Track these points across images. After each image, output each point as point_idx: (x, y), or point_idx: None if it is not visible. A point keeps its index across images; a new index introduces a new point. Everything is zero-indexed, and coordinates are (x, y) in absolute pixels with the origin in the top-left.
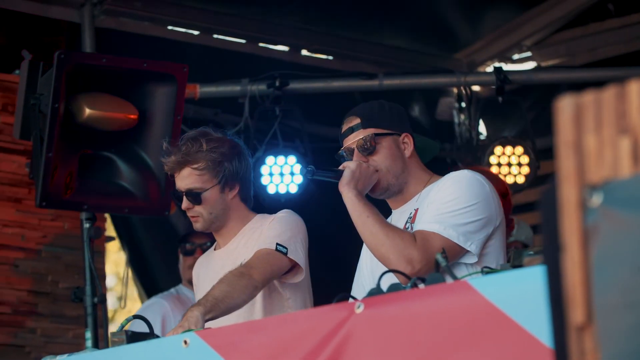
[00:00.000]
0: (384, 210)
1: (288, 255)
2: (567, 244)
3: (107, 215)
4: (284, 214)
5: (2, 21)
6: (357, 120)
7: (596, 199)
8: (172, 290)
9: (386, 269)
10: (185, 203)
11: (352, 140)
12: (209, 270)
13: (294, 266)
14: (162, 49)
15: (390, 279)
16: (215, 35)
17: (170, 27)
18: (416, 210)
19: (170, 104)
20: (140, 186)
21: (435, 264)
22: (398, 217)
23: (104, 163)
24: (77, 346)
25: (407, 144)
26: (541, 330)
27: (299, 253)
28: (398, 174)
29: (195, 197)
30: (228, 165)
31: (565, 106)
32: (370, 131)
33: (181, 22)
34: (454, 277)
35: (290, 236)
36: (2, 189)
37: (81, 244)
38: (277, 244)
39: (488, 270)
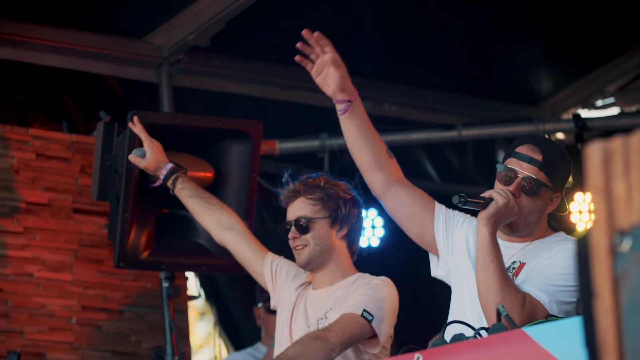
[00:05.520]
0: None
1: (372, 323)
2: (598, 290)
3: (189, 274)
4: (380, 282)
5: (81, 83)
6: (539, 157)
7: (626, 244)
8: (250, 349)
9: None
10: (292, 232)
11: (522, 170)
12: (301, 300)
13: (375, 335)
14: (241, 105)
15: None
16: (293, 91)
17: (248, 84)
18: (522, 264)
19: (245, 161)
20: (218, 244)
21: (497, 314)
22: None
23: (181, 222)
24: None
25: (554, 202)
26: None
27: (382, 325)
28: (531, 223)
29: (304, 224)
30: (342, 205)
31: (594, 151)
32: (541, 177)
33: (259, 78)
34: (514, 326)
35: (380, 307)
36: (83, 250)
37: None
38: (365, 310)
39: (553, 319)
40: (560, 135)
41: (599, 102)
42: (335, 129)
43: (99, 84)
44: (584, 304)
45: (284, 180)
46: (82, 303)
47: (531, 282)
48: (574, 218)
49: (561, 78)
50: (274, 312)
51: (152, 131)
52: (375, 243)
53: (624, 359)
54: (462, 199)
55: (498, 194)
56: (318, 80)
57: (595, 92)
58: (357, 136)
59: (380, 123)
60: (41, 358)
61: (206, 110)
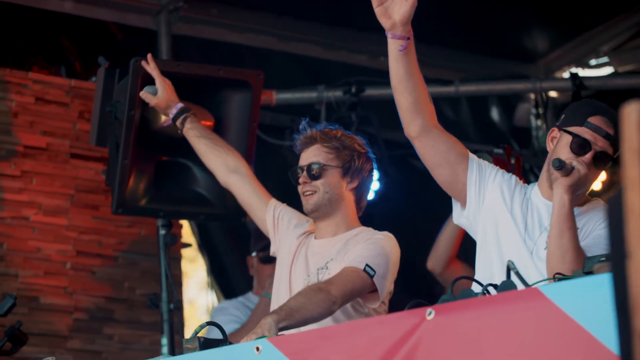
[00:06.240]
0: None
1: (374, 278)
2: (632, 250)
3: (183, 222)
4: (383, 237)
5: (80, 29)
6: (612, 131)
7: None
8: (241, 298)
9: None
10: (303, 177)
11: (596, 143)
12: (302, 249)
13: (375, 290)
14: (238, 55)
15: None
16: (291, 42)
17: (246, 34)
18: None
19: (245, 111)
20: (217, 193)
21: (507, 270)
22: None
23: (180, 170)
24: (154, 352)
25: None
26: (611, 339)
27: (383, 280)
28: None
29: (316, 170)
30: (355, 158)
31: (631, 112)
32: (611, 151)
33: (257, 28)
34: (526, 284)
35: (382, 262)
36: (79, 196)
37: (157, 250)
38: (367, 264)
39: (560, 277)
40: (553, 94)
41: (593, 62)
42: (332, 81)
43: (100, 30)
44: (615, 263)
45: (301, 126)
46: (77, 248)
47: (593, 253)
48: None
49: (556, 37)
50: (267, 262)
51: (154, 79)
52: (370, 196)
53: None
54: (562, 165)
55: (579, 163)
56: (378, 10)
57: (590, 51)
58: (406, 75)
59: (376, 76)
60: (35, 302)
61: (203, 59)
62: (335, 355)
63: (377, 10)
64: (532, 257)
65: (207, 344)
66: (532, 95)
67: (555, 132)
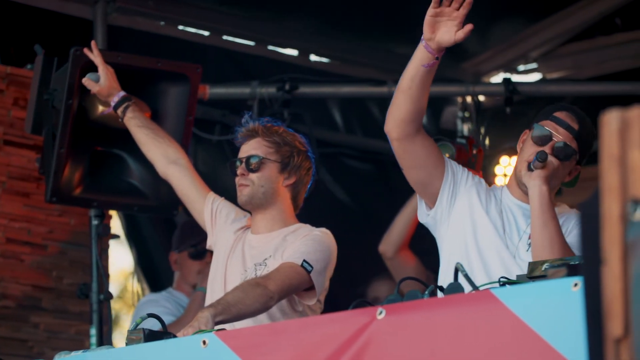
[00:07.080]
0: None
1: (311, 274)
2: (607, 257)
3: (111, 213)
4: (321, 234)
5: (15, 16)
6: (576, 126)
7: (639, 214)
8: (164, 293)
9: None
10: (241, 169)
11: (558, 134)
12: (239, 244)
13: (312, 287)
14: (172, 48)
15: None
16: (225, 37)
17: (181, 27)
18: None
19: (182, 104)
20: (150, 185)
21: (455, 271)
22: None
23: (115, 160)
24: (80, 342)
25: (572, 175)
26: (564, 345)
27: (320, 277)
28: (553, 188)
29: (255, 163)
30: (295, 154)
31: (611, 120)
32: (574, 145)
33: (193, 22)
34: (474, 287)
35: (320, 258)
36: (10, 183)
37: (87, 240)
38: (305, 260)
39: (505, 281)
40: (481, 98)
41: (522, 67)
42: (266, 78)
43: (35, 18)
44: (588, 269)
45: (244, 120)
46: (7, 235)
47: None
48: (498, 181)
49: (485, 41)
50: (196, 258)
51: (92, 68)
52: None
53: (629, 326)
54: (544, 157)
55: (550, 155)
56: (429, 20)
57: (519, 57)
58: (419, 85)
59: (307, 74)
60: None
61: (138, 51)
62: (282, 351)
63: (428, 19)
64: (515, 260)
65: (151, 335)
66: (459, 99)
67: (526, 134)
